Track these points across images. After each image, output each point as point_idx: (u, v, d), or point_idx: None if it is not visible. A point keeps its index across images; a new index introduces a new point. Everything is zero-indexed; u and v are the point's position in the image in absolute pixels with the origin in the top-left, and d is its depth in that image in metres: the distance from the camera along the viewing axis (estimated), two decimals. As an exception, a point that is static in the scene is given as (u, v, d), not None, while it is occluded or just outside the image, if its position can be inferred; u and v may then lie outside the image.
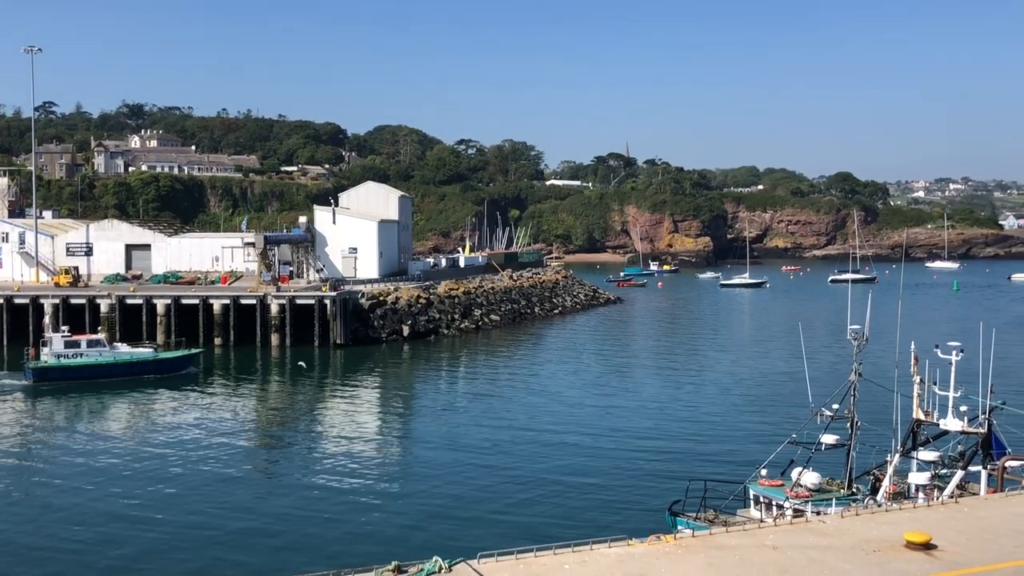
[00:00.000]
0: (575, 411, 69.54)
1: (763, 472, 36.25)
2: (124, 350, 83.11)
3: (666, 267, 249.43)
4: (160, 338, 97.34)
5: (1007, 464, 32.33)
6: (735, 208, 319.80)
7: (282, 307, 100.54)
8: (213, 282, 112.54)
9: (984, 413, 33.82)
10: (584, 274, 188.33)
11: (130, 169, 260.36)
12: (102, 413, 69.46)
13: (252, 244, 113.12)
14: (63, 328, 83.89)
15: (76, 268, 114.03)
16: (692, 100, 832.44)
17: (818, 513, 29.50)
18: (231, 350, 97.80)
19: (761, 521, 30.19)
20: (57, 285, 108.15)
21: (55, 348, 78.74)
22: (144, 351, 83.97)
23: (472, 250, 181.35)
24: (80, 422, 66.44)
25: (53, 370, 77.78)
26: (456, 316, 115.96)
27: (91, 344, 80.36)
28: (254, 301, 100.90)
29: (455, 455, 55.88)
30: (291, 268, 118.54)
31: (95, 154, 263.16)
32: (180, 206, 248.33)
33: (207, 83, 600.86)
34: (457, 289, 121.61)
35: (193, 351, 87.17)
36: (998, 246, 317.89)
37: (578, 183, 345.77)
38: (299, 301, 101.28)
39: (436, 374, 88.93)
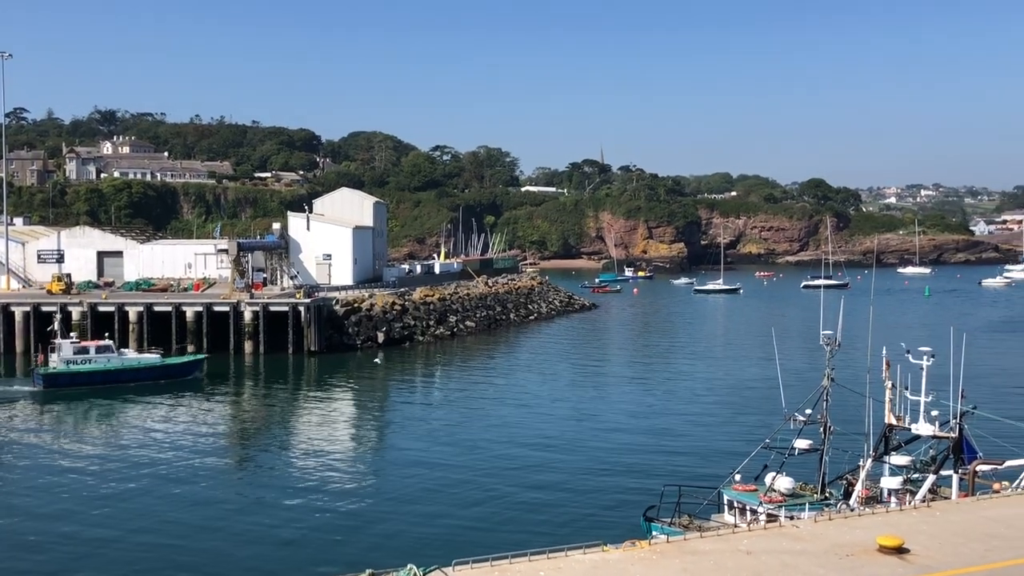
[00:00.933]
0: (549, 417, 69.53)
1: (737, 477, 36.36)
2: (132, 356, 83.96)
3: (641, 273, 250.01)
4: (133, 345, 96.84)
5: (978, 468, 32.58)
6: (709, 214, 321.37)
7: (256, 314, 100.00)
8: (186, 289, 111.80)
9: (955, 418, 34.06)
10: (559, 280, 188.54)
11: (102, 175, 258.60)
12: (112, 419, 69.34)
13: (225, 251, 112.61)
14: (71, 334, 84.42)
15: (69, 276, 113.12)
16: (666, 107, 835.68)
17: (792, 518, 29.62)
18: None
19: (735, 526, 30.34)
20: (50, 293, 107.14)
21: (64, 354, 79.21)
22: (151, 357, 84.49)
23: (447, 256, 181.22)
24: (91, 427, 66.86)
25: (63, 376, 78.26)
26: (431, 323, 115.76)
27: (100, 350, 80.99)
28: (227, 308, 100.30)
29: (429, 462, 55.73)
30: (265, 275, 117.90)
31: (67, 160, 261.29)
32: (153, 213, 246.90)
33: (180, 89, 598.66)
34: (432, 295, 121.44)
35: (199, 356, 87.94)
36: (969, 252, 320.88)
37: (553, 189, 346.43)
38: (273, 308, 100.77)
39: (411, 381, 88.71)
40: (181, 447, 59.90)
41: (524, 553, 20.29)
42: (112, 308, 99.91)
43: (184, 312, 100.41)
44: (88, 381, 78.48)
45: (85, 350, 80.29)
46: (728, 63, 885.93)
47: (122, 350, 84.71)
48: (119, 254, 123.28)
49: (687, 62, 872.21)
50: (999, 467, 33.41)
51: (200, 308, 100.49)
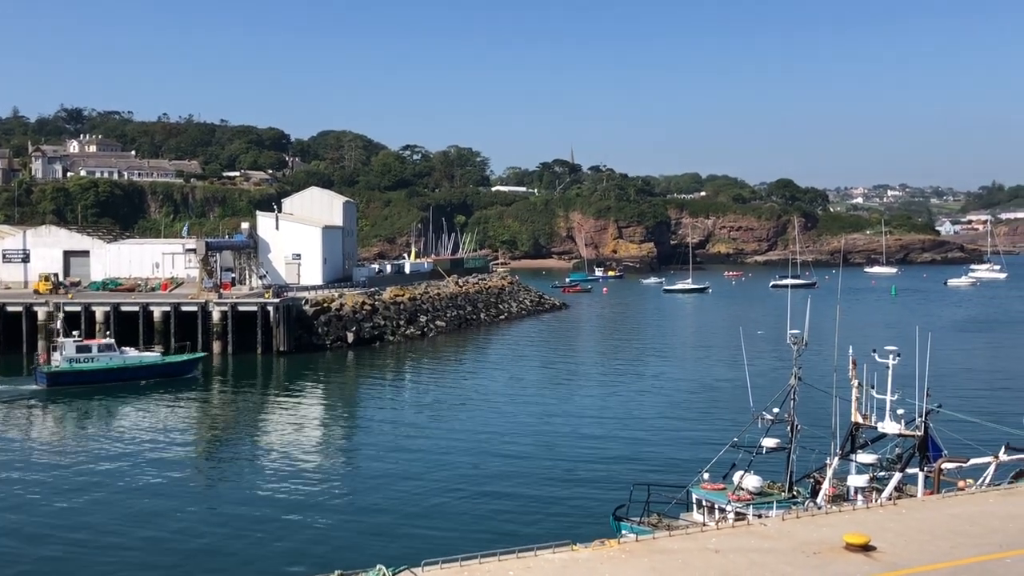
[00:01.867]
0: (519, 417, 69.58)
1: (705, 476, 36.55)
2: (133, 354, 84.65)
3: (611, 273, 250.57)
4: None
5: (943, 466, 32.93)
6: (678, 214, 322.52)
7: (224, 314, 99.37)
8: (153, 289, 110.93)
9: (921, 416, 34.40)
10: (530, 280, 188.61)
11: (68, 174, 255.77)
12: (118, 416, 70.16)
13: (193, 250, 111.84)
14: (74, 333, 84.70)
15: (56, 275, 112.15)
16: (636, 108, 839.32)
17: (760, 516, 29.83)
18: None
19: (704, 525, 30.45)
20: (37, 292, 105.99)
21: (68, 353, 79.95)
22: (152, 355, 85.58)
23: (418, 256, 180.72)
24: (96, 425, 67.68)
25: (66, 374, 79.00)
26: (401, 322, 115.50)
27: (102, 349, 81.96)
28: (195, 308, 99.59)
29: (399, 462, 55.63)
30: (233, 275, 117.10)
31: (32, 159, 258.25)
32: (120, 212, 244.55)
33: (148, 87, 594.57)
34: (403, 295, 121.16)
35: (197, 355, 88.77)
36: (935, 252, 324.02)
37: (524, 189, 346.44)
38: (241, 308, 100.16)
39: (381, 381, 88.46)
40: (145, 449, 59.42)
41: (494, 553, 20.29)
42: (79, 308, 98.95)
43: (151, 312, 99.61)
44: (91, 379, 79.27)
45: (88, 348, 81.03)
46: (697, 66, 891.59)
47: (123, 349, 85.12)
48: (86, 254, 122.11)
49: (657, 64, 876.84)
50: (964, 465, 33.78)
51: (168, 308, 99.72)
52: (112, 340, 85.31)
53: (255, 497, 48.49)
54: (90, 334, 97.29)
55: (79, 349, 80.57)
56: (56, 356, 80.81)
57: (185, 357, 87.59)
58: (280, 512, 45.80)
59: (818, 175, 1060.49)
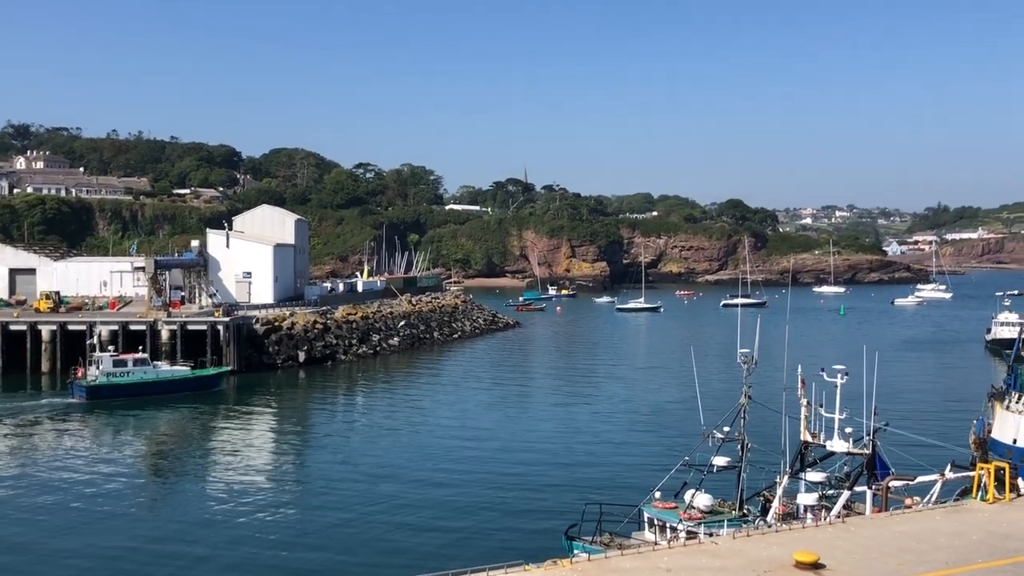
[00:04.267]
0: (472, 437, 69.40)
1: (657, 495, 36.66)
2: (165, 368, 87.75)
3: (564, 292, 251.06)
4: (46, 364, 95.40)
5: (890, 484, 33.31)
6: (631, 234, 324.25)
7: (173, 333, 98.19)
8: (101, 307, 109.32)
9: (868, 435, 34.79)
10: (483, 298, 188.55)
11: (15, 191, 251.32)
12: (160, 428, 73.89)
13: (142, 268, 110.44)
14: (110, 348, 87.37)
15: (57, 293, 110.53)
16: (588, 127, 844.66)
17: (711, 535, 29.93)
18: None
19: (656, 543, 30.57)
20: (37, 311, 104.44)
21: (105, 367, 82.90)
22: (182, 369, 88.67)
23: (370, 274, 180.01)
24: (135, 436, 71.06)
25: (104, 388, 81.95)
26: (354, 341, 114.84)
27: (137, 363, 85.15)
28: (144, 327, 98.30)
29: (350, 482, 55.22)
30: (183, 293, 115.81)
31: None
32: (67, 229, 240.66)
33: (97, 103, 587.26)
34: (355, 314, 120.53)
35: (223, 369, 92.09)
36: (882, 271, 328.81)
37: (477, 208, 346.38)
38: (191, 327, 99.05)
39: (332, 401, 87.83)
40: (83, 472, 58.50)
41: (446, 573, 20.22)
42: (24, 327, 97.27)
43: (99, 331, 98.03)
44: (127, 393, 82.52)
45: (123, 363, 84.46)
46: (649, 87, 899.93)
47: (155, 363, 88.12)
48: (32, 271, 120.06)
49: (609, 85, 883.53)
50: (911, 483, 34.22)
51: (116, 327, 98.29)
52: (146, 355, 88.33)
53: (202, 520, 47.82)
54: (36, 353, 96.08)
55: (115, 363, 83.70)
56: (92, 370, 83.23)
57: (212, 371, 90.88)
58: (228, 533, 45.21)
59: (768, 196, 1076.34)
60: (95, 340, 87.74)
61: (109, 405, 79.33)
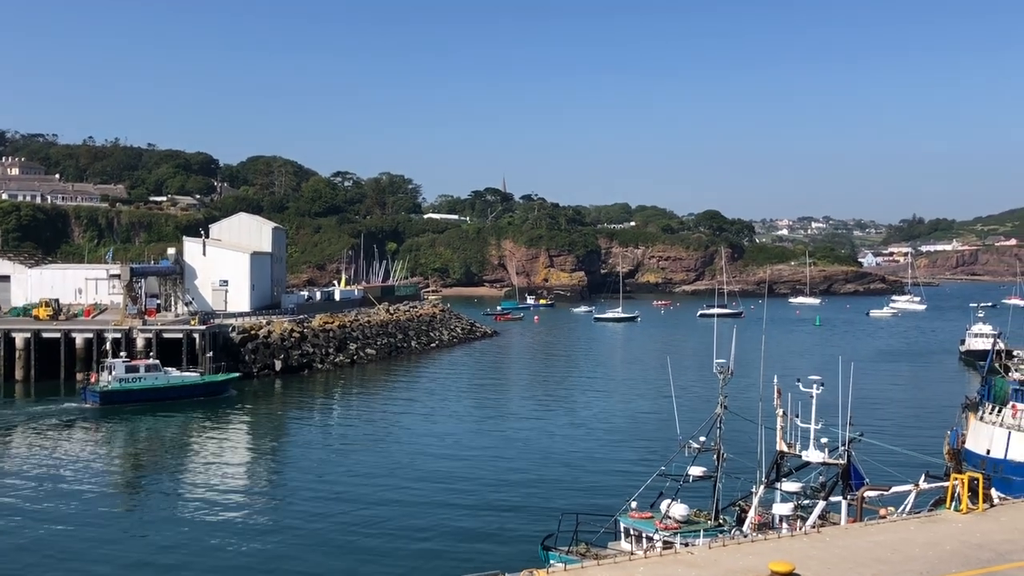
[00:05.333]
0: (448, 446, 69.28)
1: (633, 505, 36.64)
2: (176, 374, 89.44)
3: (542, 301, 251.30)
4: (20, 373, 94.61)
5: (865, 494, 33.42)
6: (608, 244, 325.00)
7: (148, 341, 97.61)
8: (76, 315, 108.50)
9: (843, 445, 34.93)
10: (461, 308, 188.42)
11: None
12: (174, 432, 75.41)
13: (118, 276, 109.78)
14: (122, 354, 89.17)
15: (57, 301, 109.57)
16: (567, 138, 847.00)
17: (687, 544, 29.95)
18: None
19: (632, 554, 30.53)
20: (37, 319, 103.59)
21: (118, 373, 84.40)
22: (192, 375, 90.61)
23: (348, 283, 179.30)
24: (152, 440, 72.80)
25: (117, 393, 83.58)
26: (331, 350, 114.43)
27: (148, 369, 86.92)
28: (119, 335, 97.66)
29: (326, 491, 54.97)
30: (159, 301, 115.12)
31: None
32: (42, 236, 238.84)
33: (73, 110, 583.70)
34: (332, 323, 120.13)
35: (231, 375, 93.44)
36: (857, 283, 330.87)
37: (455, 217, 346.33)
38: (167, 335, 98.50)
39: (309, 410, 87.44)
40: (65, 480, 58.01)
41: (420, 584, 20.13)
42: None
43: (74, 339, 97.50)
44: (140, 398, 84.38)
45: (135, 368, 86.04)
46: (627, 97, 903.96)
47: (166, 369, 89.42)
48: (6, 279, 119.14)
49: (588, 95, 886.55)
50: (885, 493, 34.34)
51: (91, 335, 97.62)
52: (157, 361, 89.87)
53: (174, 531, 47.46)
54: (10, 361, 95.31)
55: (128, 369, 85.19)
56: (105, 376, 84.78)
57: (221, 377, 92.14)
58: (200, 543, 44.88)
59: (744, 207, 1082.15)
60: (108, 347, 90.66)
61: (122, 410, 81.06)
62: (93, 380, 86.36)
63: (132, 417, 79.19)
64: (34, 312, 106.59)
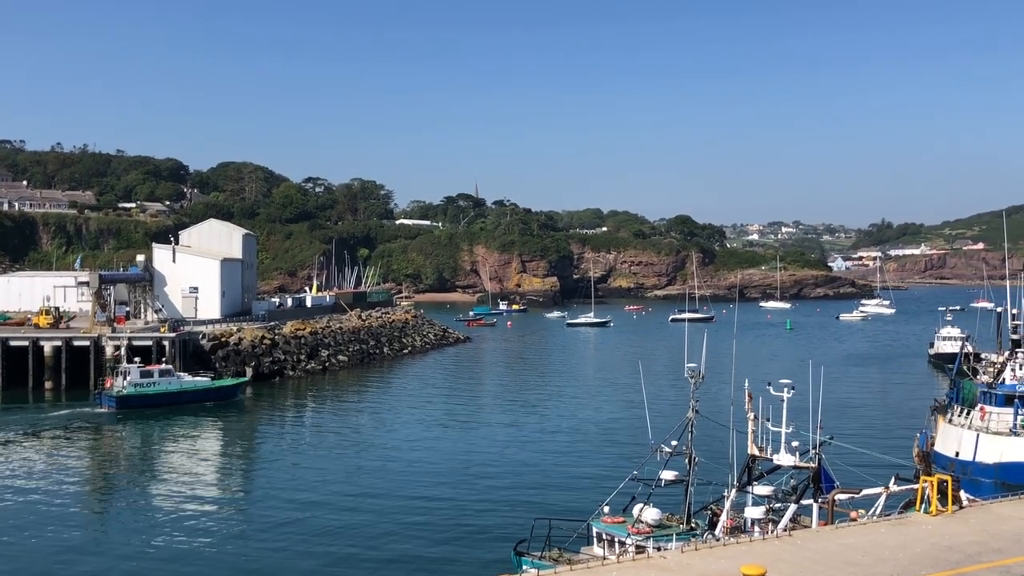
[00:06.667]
0: (420, 452, 69.09)
1: (605, 509, 36.63)
2: (188, 379, 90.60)
3: (515, 306, 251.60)
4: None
5: (836, 497, 33.62)
6: (581, 249, 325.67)
7: (118, 348, 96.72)
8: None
9: (814, 448, 35.10)
10: (434, 313, 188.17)
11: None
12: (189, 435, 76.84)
13: (86, 283, 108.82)
14: (136, 359, 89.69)
15: (57, 308, 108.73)
16: (539, 143, 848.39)
17: (659, 549, 30.00)
18: (63, 394, 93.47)
19: (604, 558, 30.56)
20: (37, 327, 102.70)
21: (133, 378, 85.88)
22: (203, 380, 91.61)
23: (319, 289, 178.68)
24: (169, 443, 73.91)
25: (133, 398, 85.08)
26: (302, 357, 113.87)
27: (162, 373, 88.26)
28: (88, 343, 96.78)
29: (296, 498, 54.62)
30: (128, 308, 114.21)
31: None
32: (10, 244, 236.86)
33: (41, 116, 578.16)
34: (304, 329, 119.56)
35: (241, 380, 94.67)
36: (827, 287, 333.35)
37: (428, 223, 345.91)
38: (136, 343, 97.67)
39: (280, 418, 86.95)
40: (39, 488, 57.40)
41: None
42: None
43: (42, 347, 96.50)
44: (155, 402, 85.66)
45: (150, 373, 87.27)
46: (599, 102, 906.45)
47: (179, 374, 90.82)
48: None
49: (558, 99, 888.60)
50: (856, 496, 34.55)
51: (59, 343, 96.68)
52: (170, 366, 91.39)
53: (145, 538, 47.02)
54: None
55: (142, 374, 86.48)
56: (120, 381, 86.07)
57: (231, 381, 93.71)
58: (171, 554, 44.50)
59: (715, 212, 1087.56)
60: (122, 352, 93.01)
61: (137, 415, 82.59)
62: (108, 385, 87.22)
63: (147, 421, 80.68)
64: (34, 320, 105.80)
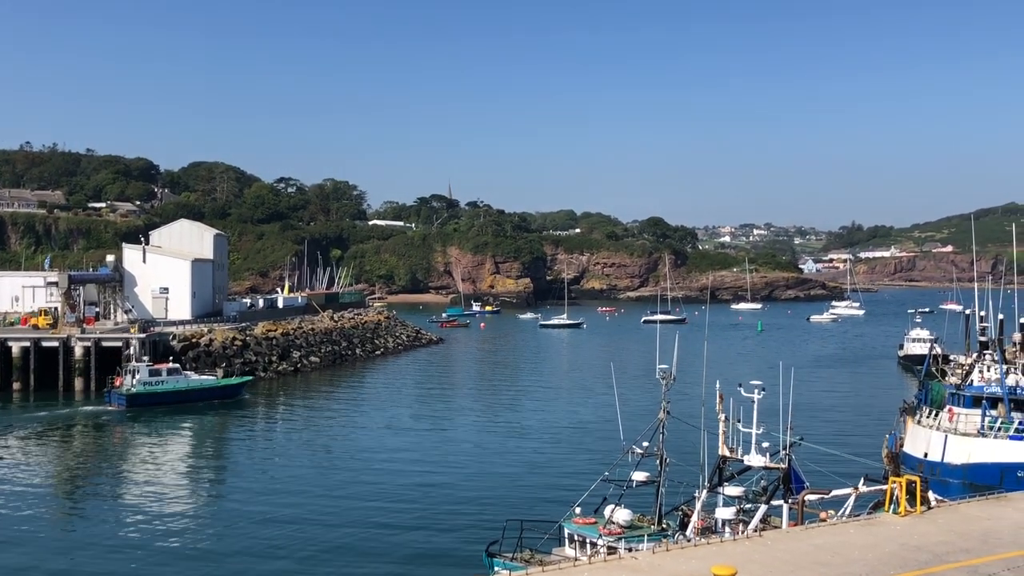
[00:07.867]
0: (392, 455, 68.86)
1: (577, 510, 36.66)
2: (195, 378, 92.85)
3: (488, 308, 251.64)
4: None
5: (806, 498, 33.79)
6: (554, 250, 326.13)
7: (87, 349, 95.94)
8: (12, 323, 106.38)
9: (784, 449, 35.28)
10: (407, 315, 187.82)
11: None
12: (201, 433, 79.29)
13: (55, 283, 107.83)
14: (145, 358, 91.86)
15: (55, 309, 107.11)
16: (513, 145, 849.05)
17: (630, 550, 30.04)
18: (31, 395, 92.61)
19: (576, 559, 30.57)
20: (36, 328, 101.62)
21: (142, 376, 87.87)
22: (210, 378, 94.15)
23: (291, 290, 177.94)
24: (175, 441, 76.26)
25: (142, 396, 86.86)
26: (274, 358, 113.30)
27: (170, 372, 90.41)
28: (57, 344, 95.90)
29: (267, 507, 54.18)
30: (97, 309, 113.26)
31: None
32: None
33: (9, 115, 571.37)
34: (275, 330, 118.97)
35: (246, 378, 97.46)
36: (798, 289, 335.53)
37: (401, 224, 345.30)
38: (105, 343, 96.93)
39: (251, 420, 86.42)
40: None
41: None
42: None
43: (10, 348, 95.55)
44: (163, 400, 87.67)
45: (158, 372, 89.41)
46: (571, 105, 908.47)
47: (186, 373, 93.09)
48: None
49: (532, 102, 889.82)
50: (826, 496, 34.73)
51: (27, 343, 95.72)
52: (177, 365, 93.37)
53: (113, 542, 46.66)
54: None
55: (151, 373, 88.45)
56: (129, 380, 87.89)
57: (236, 380, 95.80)
58: (139, 560, 44.16)
59: (687, 214, 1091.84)
60: (132, 351, 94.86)
61: (146, 412, 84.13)
62: (118, 384, 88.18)
63: (156, 419, 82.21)
64: (33, 321, 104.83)
